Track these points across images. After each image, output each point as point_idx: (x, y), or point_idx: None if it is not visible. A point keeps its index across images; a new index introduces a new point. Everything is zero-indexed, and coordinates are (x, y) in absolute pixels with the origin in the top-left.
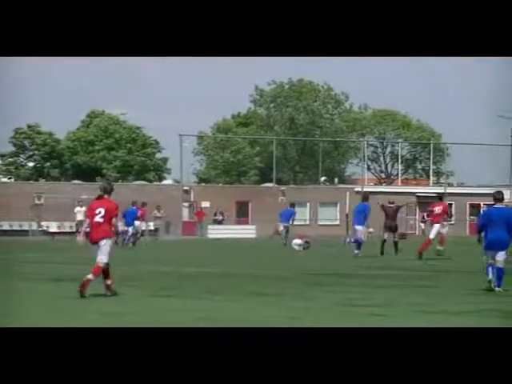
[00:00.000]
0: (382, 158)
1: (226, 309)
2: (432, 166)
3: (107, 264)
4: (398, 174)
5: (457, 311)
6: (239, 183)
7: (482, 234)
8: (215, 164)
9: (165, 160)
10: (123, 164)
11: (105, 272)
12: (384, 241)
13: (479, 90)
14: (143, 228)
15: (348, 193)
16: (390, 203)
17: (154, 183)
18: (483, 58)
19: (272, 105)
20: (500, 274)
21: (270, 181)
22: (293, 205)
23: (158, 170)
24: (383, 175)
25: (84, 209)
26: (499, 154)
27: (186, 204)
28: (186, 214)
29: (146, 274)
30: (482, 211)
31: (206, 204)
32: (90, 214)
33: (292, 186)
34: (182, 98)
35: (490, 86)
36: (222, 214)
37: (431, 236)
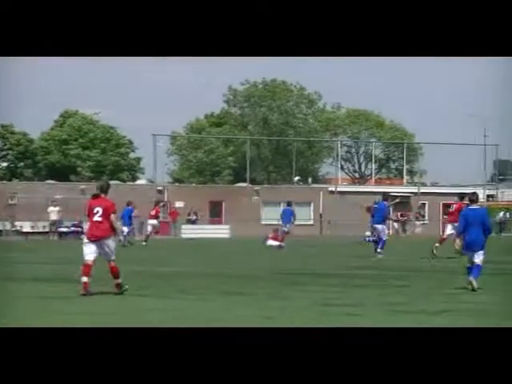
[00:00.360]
0: (355, 158)
1: (201, 308)
2: (405, 166)
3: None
4: (371, 174)
5: (436, 311)
6: (213, 183)
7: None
8: (189, 164)
9: (138, 160)
10: (97, 164)
11: (87, 269)
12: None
13: (452, 89)
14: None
15: (322, 192)
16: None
17: (128, 183)
18: (457, 57)
19: (245, 104)
20: (477, 268)
21: (244, 181)
22: (290, 204)
23: (132, 170)
24: (357, 175)
25: (57, 208)
26: (472, 154)
27: (160, 204)
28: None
29: (121, 273)
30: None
31: (179, 204)
32: (89, 213)
33: (266, 185)
34: (155, 97)
35: (463, 86)
36: (195, 213)
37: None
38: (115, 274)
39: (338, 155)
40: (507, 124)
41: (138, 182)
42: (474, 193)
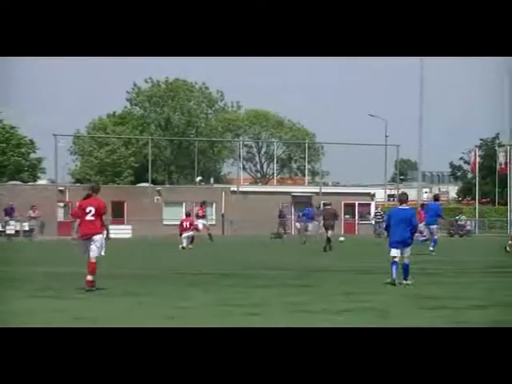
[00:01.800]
0: (257, 158)
1: (103, 309)
2: (307, 166)
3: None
4: (273, 174)
5: (337, 310)
6: (114, 183)
7: (387, 233)
8: (91, 164)
9: (40, 160)
10: None
11: (91, 266)
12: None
13: (354, 90)
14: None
15: (224, 192)
16: (327, 205)
17: (29, 183)
18: (357, 57)
19: (148, 104)
20: (406, 268)
21: (146, 181)
22: (311, 205)
23: (33, 170)
24: (259, 175)
25: None
26: (374, 154)
27: (61, 204)
28: (61, 214)
29: (23, 274)
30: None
31: None
32: (81, 213)
33: (167, 186)
34: (58, 96)
35: (365, 86)
36: None
37: None
38: (92, 270)
39: (240, 155)
40: (408, 124)
41: (40, 182)
42: (404, 193)
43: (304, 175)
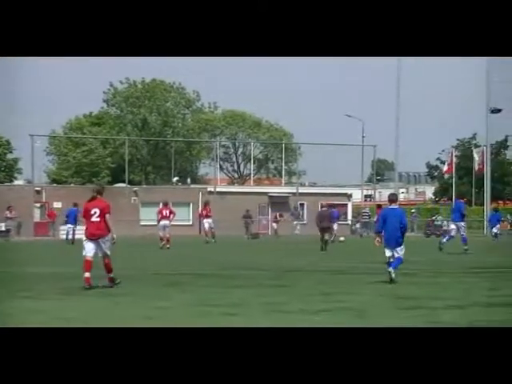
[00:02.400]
0: (234, 158)
1: (81, 309)
2: (284, 166)
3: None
4: (250, 174)
5: (314, 310)
6: (91, 184)
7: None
8: (67, 165)
9: (16, 160)
10: None
11: (88, 264)
12: (322, 239)
13: (331, 90)
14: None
15: (201, 193)
16: (322, 207)
17: (5, 184)
18: (331, 58)
19: (124, 104)
20: (398, 261)
21: (122, 181)
22: (332, 206)
23: (10, 171)
24: (236, 175)
25: None
26: (351, 154)
27: (38, 204)
28: (37, 214)
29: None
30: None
31: (58, 205)
32: (87, 214)
33: (144, 186)
34: (34, 96)
35: (341, 87)
36: None
37: None
38: (109, 269)
39: (217, 156)
40: (384, 124)
41: (16, 182)
42: (394, 193)
43: (281, 175)
